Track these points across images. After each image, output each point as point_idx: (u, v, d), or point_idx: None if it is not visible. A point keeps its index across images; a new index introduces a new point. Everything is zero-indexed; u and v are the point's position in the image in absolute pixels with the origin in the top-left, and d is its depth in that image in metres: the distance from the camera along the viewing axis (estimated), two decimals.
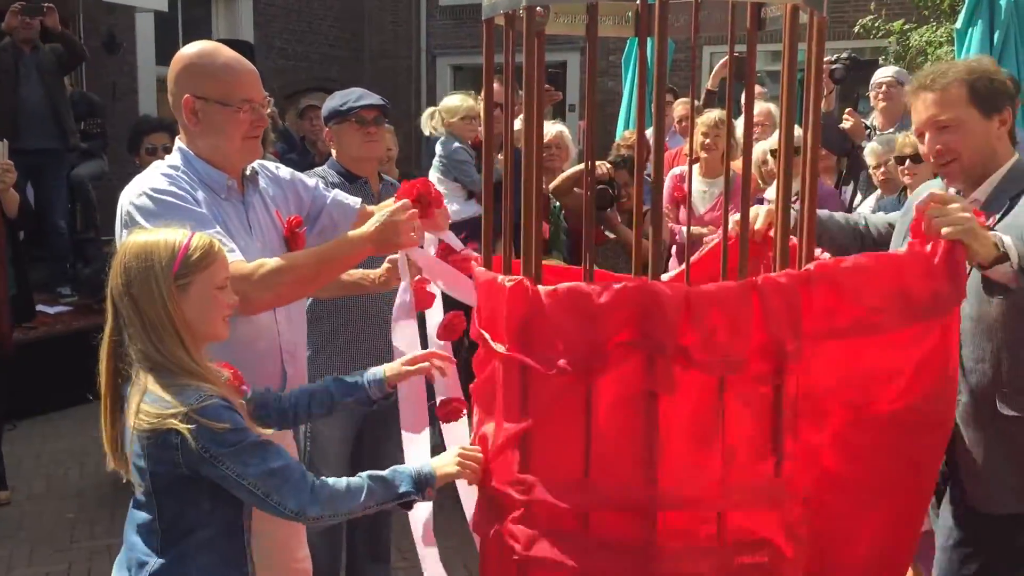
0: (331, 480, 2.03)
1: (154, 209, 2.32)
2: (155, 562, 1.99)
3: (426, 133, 5.04)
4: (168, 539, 2.00)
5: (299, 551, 2.73)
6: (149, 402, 1.93)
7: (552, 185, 4.98)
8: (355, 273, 2.85)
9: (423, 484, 2.09)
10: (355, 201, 2.87)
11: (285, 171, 2.79)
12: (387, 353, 3.32)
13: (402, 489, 2.07)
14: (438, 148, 4.87)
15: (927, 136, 2.43)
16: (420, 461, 2.19)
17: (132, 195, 2.40)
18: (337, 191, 2.88)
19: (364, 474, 2.07)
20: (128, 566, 2.04)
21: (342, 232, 2.65)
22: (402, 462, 3.69)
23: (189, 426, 1.88)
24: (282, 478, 1.96)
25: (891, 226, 2.69)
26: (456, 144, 4.79)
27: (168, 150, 5.04)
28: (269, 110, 2.62)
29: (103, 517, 4.70)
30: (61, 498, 4.98)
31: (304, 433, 3.44)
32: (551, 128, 5.09)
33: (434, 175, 4.95)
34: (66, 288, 7.21)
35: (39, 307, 6.79)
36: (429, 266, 2.47)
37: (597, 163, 4.64)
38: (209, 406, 1.92)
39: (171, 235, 2.02)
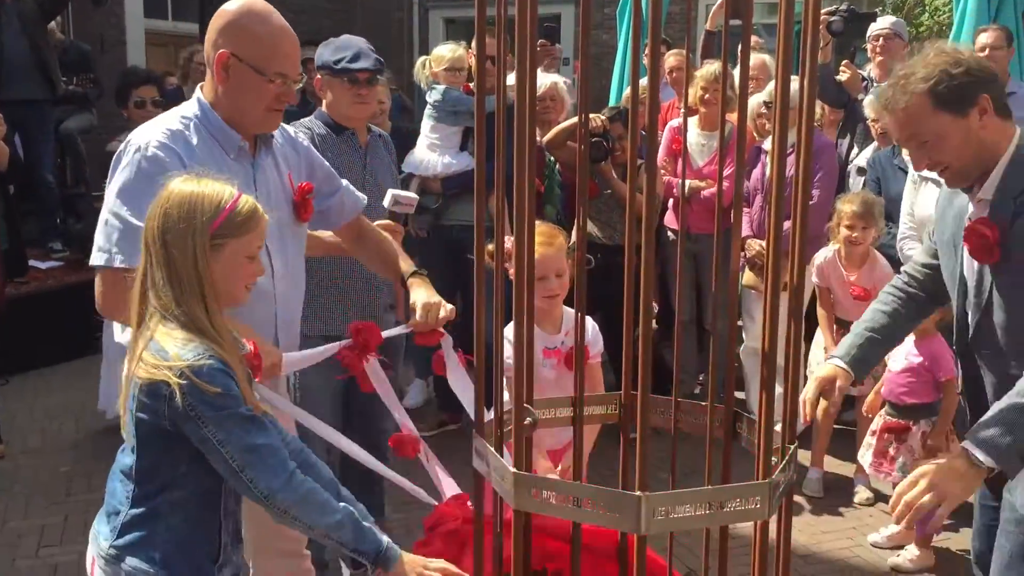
0: (314, 485, 2.00)
1: (146, 168, 2.29)
2: (127, 512, 1.99)
3: (419, 83, 5.00)
4: (142, 491, 1.99)
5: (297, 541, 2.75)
6: (152, 351, 1.92)
7: (546, 139, 4.94)
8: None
9: (380, 560, 2.02)
10: (363, 197, 2.87)
11: (304, 139, 2.76)
12: (372, 307, 3.34)
13: (362, 547, 2.01)
14: (428, 96, 4.84)
15: (910, 150, 2.33)
16: (392, 544, 2.09)
17: (141, 139, 2.36)
18: (346, 185, 2.85)
19: (347, 506, 2.03)
20: (107, 513, 2.05)
21: (343, 220, 2.72)
22: (388, 417, 3.74)
23: (181, 381, 1.88)
24: (260, 456, 1.93)
25: (928, 267, 2.57)
26: (445, 86, 4.76)
27: (156, 104, 5.07)
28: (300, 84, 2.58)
29: (99, 470, 4.66)
30: (56, 452, 5.00)
31: (293, 384, 3.45)
32: (545, 80, 5.05)
33: (427, 124, 4.91)
34: (57, 243, 7.17)
35: (30, 263, 6.77)
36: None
37: (591, 116, 4.62)
38: (205, 366, 1.90)
39: (219, 191, 1.99)
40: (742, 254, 4.81)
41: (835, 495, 4.49)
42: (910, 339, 3.92)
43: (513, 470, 1.96)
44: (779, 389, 2.19)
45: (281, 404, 2.51)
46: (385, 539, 2.05)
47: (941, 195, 2.52)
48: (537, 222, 2.87)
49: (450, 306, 2.65)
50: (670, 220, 5.28)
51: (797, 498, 3.93)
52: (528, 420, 2.28)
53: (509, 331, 2.13)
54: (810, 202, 2.40)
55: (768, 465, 1.97)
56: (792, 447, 2.11)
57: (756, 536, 2.04)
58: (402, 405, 5.40)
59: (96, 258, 2.36)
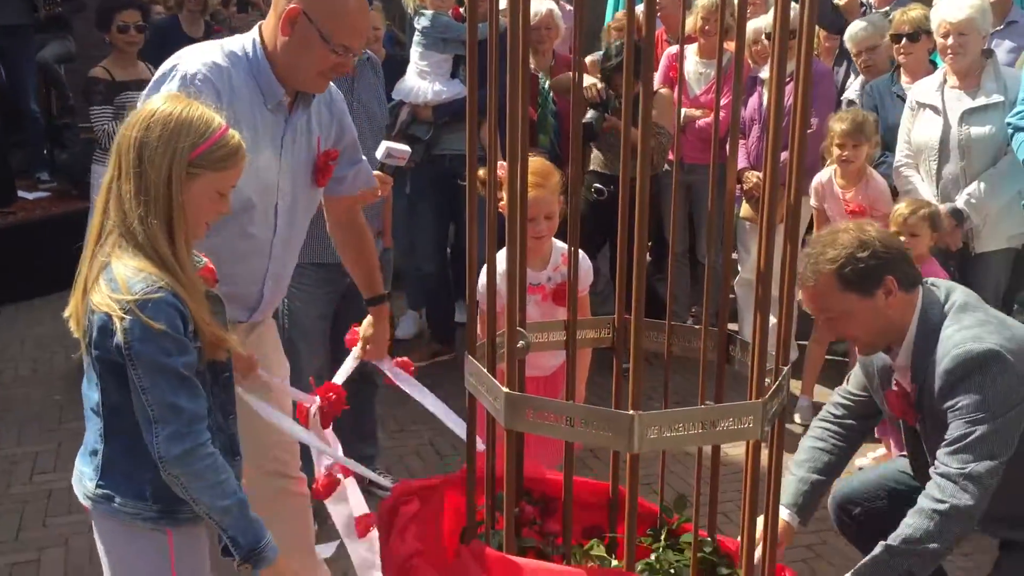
0: (217, 464, 1.90)
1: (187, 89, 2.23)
2: (104, 450, 1.95)
3: (407, 8, 4.91)
4: (113, 426, 1.94)
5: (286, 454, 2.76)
6: (105, 281, 1.85)
7: (549, 83, 4.92)
8: None
9: (252, 557, 1.94)
10: (373, 179, 2.82)
11: (341, 102, 2.70)
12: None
13: (239, 539, 1.92)
14: (416, 23, 4.74)
15: (820, 322, 2.47)
16: (275, 546, 1.99)
17: (189, 67, 2.31)
18: (365, 161, 2.79)
19: (242, 497, 1.94)
20: (87, 451, 2.01)
21: (352, 191, 2.71)
22: None
23: (124, 316, 1.80)
24: (175, 416, 1.84)
25: (857, 394, 2.66)
26: (433, 12, 4.67)
27: (140, 29, 4.95)
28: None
29: None
30: (48, 381, 5.00)
31: (282, 311, 3.43)
32: (539, 7, 4.94)
33: (415, 51, 4.83)
34: (44, 173, 7.09)
35: (18, 193, 6.70)
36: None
37: (587, 85, 4.53)
38: (151, 300, 1.81)
39: (208, 119, 1.92)
40: (738, 186, 4.78)
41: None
42: None
43: (505, 390, 1.95)
44: (772, 320, 2.18)
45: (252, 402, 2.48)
46: (268, 537, 1.96)
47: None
48: (531, 159, 2.85)
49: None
50: None
51: (787, 425, 3.94)
52: (521, 343, 2.27)
53: (501, 257, 2.11)
54: (808, 131, 2.39)
55: (761, 386, 1.96)
56: (786, 369, 2.10)
57: (748, 458, 2.04)
58: (395, 336, 5.42)
59: None
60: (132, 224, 1.86)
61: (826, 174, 4.34)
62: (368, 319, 2.78)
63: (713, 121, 2.25)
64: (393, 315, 5.28)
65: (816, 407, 4.61)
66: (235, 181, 1.99)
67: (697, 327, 2.32)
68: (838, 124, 4.17)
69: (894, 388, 2.43)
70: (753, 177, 4.79)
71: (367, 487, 3.73)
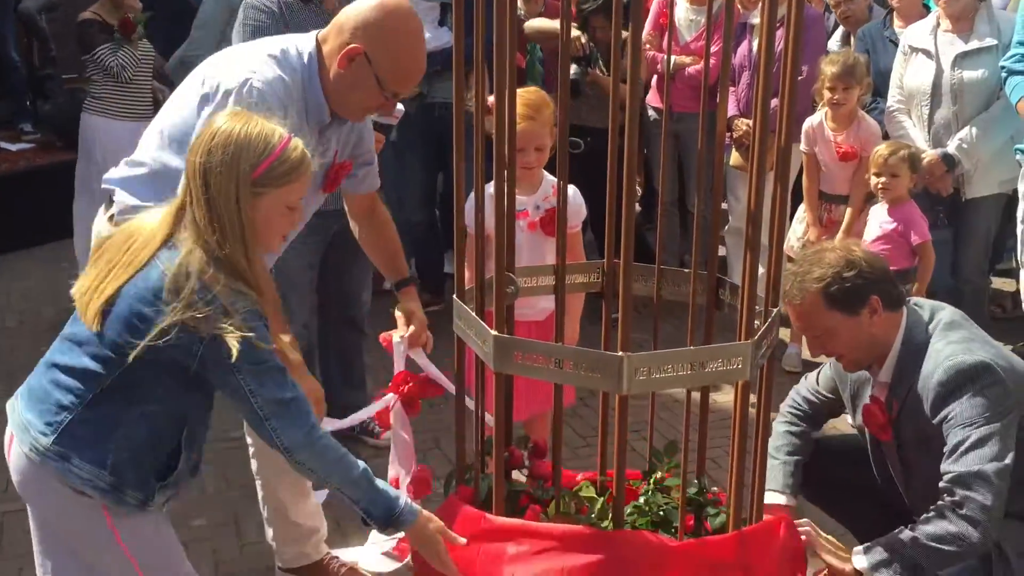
0: (331, 442, 1.98)
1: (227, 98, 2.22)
2: (77, 412, 1.91)
3: None
4: (104, 398, 1.91)
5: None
6: (200, 295, 1.82)
7: (526, 30, 4.82)
8: None
9: (393, 522, 2.00)
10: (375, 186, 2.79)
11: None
12: None
13: (373, 511, 1.99)
14: None
15: (806, 338, 2.47)
16: (413, 506, 2.05)
17: (236, 74, 2.26)
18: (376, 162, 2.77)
19: (364, 465, 2.00)
20: (43, 405, 1.94)
21: (366, 190, 2.69)
22: (365, 289, 3.71)
23: (238, 344, 1.82)
24: (287, 409, 1.92)
25: (825, 395, 2.68)
26: None
27: None
28: None
29: None
30: (34, 334, 4.96)
31: None
32: None
33: None
34: (27, 124, 6.99)
35: (1, 144, 6.62)
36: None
37: (572, 37, 4.44)
38: (258, 326, 1.88)
39: (267, 134, 1.90)
40: (728, 134, 4.73)
41: (812, 369, 4.54)
42: (883, 207, 3.93)
43: (494, 333, 1.94)
44: (762, 270, 2.17)
45: None
46: (402, 502, 2.02)
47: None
48: (524, 90, 2.80)
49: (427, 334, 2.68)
50: (652, 99, 5.17)
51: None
52: (510, 289, 2.26)
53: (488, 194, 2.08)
54: (799, 78, 2.39)
55: (751, 327, 1.96)
56: (775, 310, 2.09)
57: (737, 399, 2.04)
58: (384, 287, 5.38)
59: None
60: (214, 251, 1.87)
61: (817, 118, 4.31)
62: (400, 311, 2.72)
63: (703, 68, 2.22)
64: None
65: (806, 365, 4.62)
66: (303, 192, 1.99)
67: (686, 271, 2.31)
68: (829, 67, 4.13)
69: (870, 403, 2.47)
70: (743, 125, 4.74)
71: (356, 435, 3.76)
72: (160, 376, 1.90)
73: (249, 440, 2.82)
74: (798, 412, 2.71)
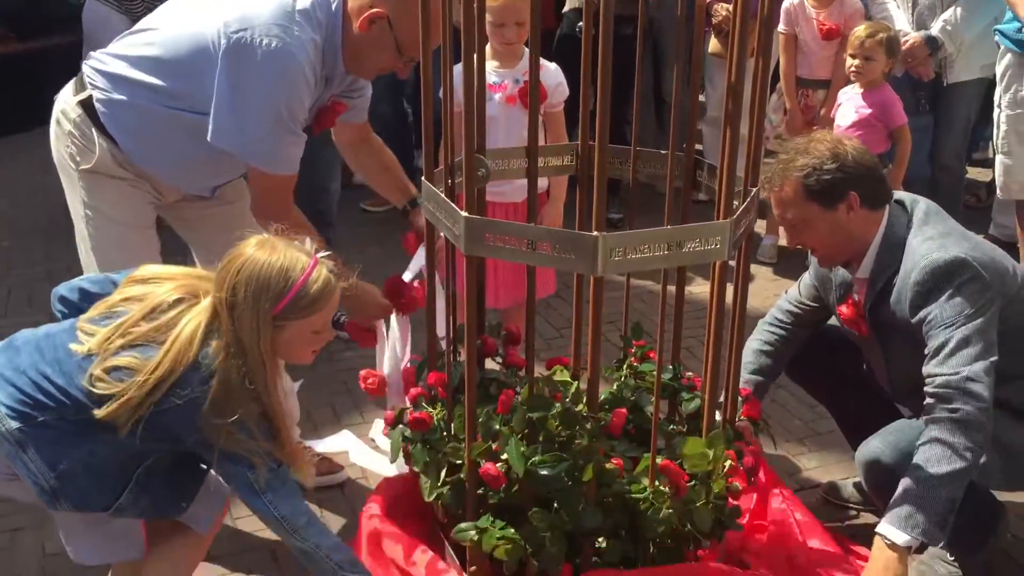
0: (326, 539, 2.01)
1: (274, 73, 2.20)
2: (54, 421, 1.88)
3: None
4: (86, 423, 1.87)
5: None
6: (236, 426, 1.87)
7: None
8: None
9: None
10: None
11: None
12: None
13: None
14: None
15: (783, 227, 2.45)
16: None
17: (261, 28, 2.20)
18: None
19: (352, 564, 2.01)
20: (18, 393, 1.88)
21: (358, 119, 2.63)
22: (333, 180, 3.59)
23: (262, 472, 1.91)
24: (308, 525, 1.97)
25: (805, 304, 2.66)
26: None
27: None
28: None
29: (38, 245, 4.63)
30: None
31: None
32: None
33: None
34: None
35: None
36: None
37: None
38: (284, 467, 1.95)
39: (287, 269, 1.88)
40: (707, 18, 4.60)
41: (789, 260, 4.54)
42: (857, 92, 3.85)
43: (464, 214, 1.87)
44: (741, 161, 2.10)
45: None
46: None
47: None
48: None
49: None
50: None
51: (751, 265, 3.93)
52: (481, 171, 2.17)
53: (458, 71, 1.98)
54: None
55: (730, 206, 1.90)
56: (754, 190, 2.03)
57: (714, 278, 1.99)
58: (352, 182, 5.28)
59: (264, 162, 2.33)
60: (237, 374, 1.88)
61: None
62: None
63: None
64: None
65: (781, 249, 4.60)
66: (329, 317, 1.98)
67: (663, 152, 2.23)
68: None
69: (845, 302, 2.46)
70: (722, 10, 4.60)
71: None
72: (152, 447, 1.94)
73: None
74: (776, 326, 2.70)
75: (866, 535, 2.62)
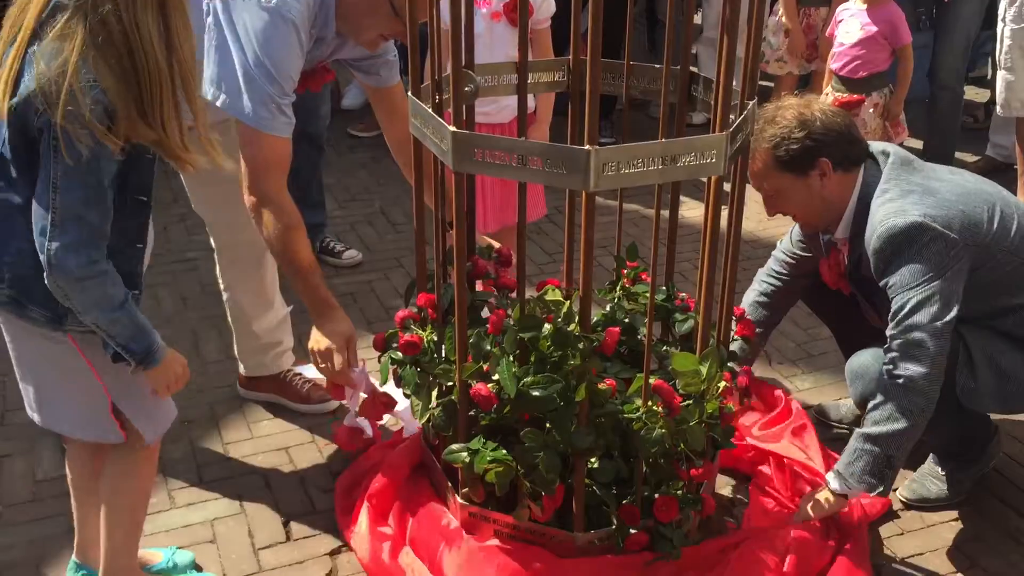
0: (106, 280, 1.72)
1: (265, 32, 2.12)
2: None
3: None
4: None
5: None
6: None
7: None
8: None
9: (145, 360, 1.81)
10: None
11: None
12: None
13: (130, 346, 1.78)
14: None
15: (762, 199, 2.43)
16: (161, 345, 1.85)
17: None
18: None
19: (129, 306, 1.77)
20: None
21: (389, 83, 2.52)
22: (324, 103, 3.51)
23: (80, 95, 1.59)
24: (78, 227, 1.66)
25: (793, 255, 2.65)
26: None
27: None
28: None
29: None
30: None
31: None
32: None
33: None
34: None
35: None
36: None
37: None
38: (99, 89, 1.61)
39: None
40: None
41: None
42: (860, 7, 3.78)
43: (452, 129, 1.81)
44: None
45: None
46: (155, 343, 1.83)
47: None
48: None
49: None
50: None
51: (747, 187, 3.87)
52: (469, 87, 2.11)
53: None
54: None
55: (726, 119, 1.84)
56: (751, 103, 1.97)
57: (709, 197, 1.95)
58: (341, 106, 5.15)
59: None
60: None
61: None
62: None
63: None
64: (339, 84, 5.02)
65: None
66: None
67: (657, 66, 2.17)
68: None
69: (825, 261, 2.47)
70: None
71: (317, 255, 3.66)
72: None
73: (214, 243, 2.71)
74: (772, 277, 2.69)
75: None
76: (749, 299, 2.69)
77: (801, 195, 2.32)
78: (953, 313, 2.15)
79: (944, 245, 2.15)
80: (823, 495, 2.25)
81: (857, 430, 2.21)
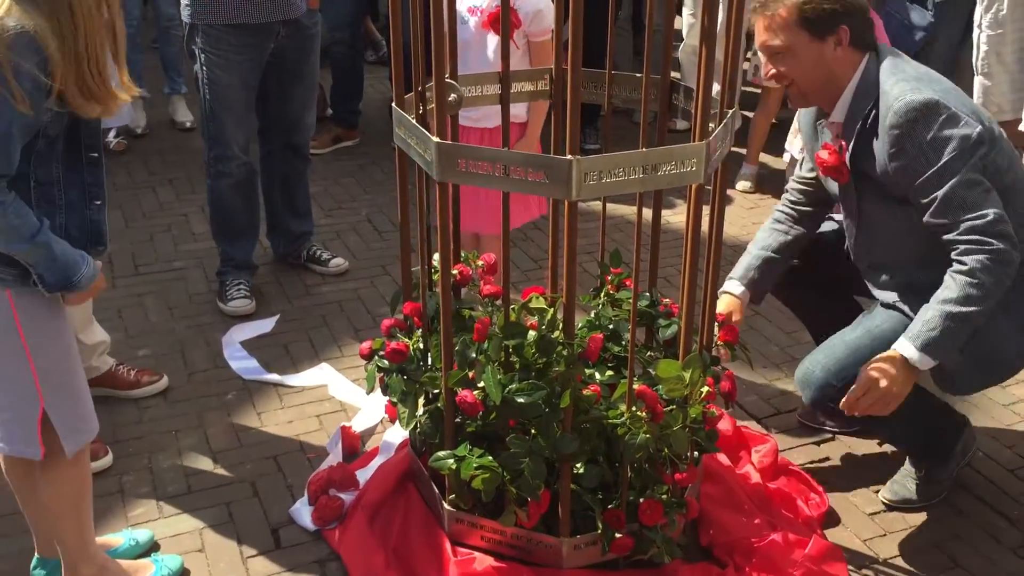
0: (23, 210, 1.73)
1: None
2: None
3: None
4: None
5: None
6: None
7: None
8: None
9: (69, 287, 1.82)
10: None
11: None
12: None
13: (46, 276, 1.79)
14: None
15: (764, 59, 2.40)
16: (88, 274, 1.85)
17: None
18: None
19: (49, 231, 1.77)
20: None
21: None
22: (309, 112, 3.51)
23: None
24: None
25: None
26: None
27: None
28: None
29: None
30: None
31: (201, 79, 3.21)
32: None
33: None
34: None
35: None
36: None
37: None
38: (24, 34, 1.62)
39: None
40: None
41: (768, 186, 4.53)
42: None
43: (436, 139, 1.83)
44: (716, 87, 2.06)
45: None
46: (81, 274, 1.83)
47: (803, 112, 2.59)
48: None
49: None
50: None
51: (729, 192, 3.90)
52: (452, 97, 2.13)
53: None
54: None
55: (706, 128, 1.87)
56: (731, 112, 2.00)
57: (690, 206, 1.97)
58: (326, 115, 5.09)
59: None
60: None
61: None
62: None
63: None
64: (324, 93, 5.01)
65: (760, 175, 4.59)
66: None
67: (638, 75, 2.19)
68: None
69: (822, 147, 2.41)
70: None
71: (304, 263, 3.68)
72: None
73: None
74: (786, 206, 2.67)
75: (840, 457, 2.67)
76: (765, 226, 2.66)
77: (811, 58, 2.30)
78: (995, 197, 2.16)
79: (955, 127, 2.16)
80: (893, 368, 2.16)
81: (942, 309, 2.15)
